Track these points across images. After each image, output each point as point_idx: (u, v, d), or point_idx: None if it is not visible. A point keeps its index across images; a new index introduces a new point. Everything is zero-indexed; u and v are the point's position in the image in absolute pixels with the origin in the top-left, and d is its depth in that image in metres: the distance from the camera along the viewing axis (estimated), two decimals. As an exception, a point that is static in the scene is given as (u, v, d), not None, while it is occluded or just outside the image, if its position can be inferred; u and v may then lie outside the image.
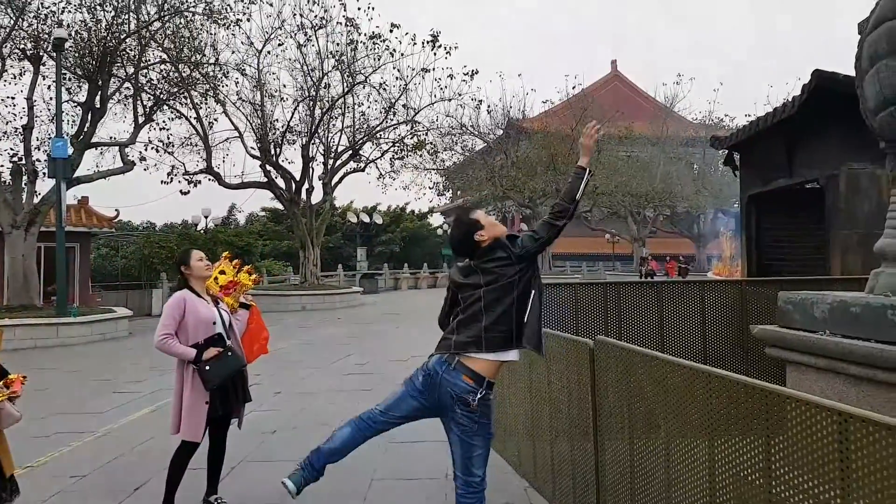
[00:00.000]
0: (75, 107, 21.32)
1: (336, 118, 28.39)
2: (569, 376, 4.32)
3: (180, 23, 22.01)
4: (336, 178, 29.08)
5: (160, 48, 22.13)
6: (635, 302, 8.00)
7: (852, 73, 4.99)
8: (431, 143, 31.20)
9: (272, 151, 27.18)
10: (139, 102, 22.43)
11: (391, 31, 25.98)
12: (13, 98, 21.20)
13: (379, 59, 26.70)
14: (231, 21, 22.99)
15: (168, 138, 24.97)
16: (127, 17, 20.56)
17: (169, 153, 25.41)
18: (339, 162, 28.82)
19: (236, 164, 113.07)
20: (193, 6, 21.54)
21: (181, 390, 4.53)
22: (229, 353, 4.57)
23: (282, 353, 12.68)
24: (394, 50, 26.45)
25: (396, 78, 27.69)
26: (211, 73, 24.05)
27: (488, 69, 44.81)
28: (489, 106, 37.92)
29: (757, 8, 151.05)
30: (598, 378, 3.87)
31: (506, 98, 46.34)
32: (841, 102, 6.97)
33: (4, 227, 18.26)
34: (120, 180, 22.30)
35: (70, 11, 19.87)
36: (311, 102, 27.13)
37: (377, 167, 30.34)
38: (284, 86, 32.53)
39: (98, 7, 20.23)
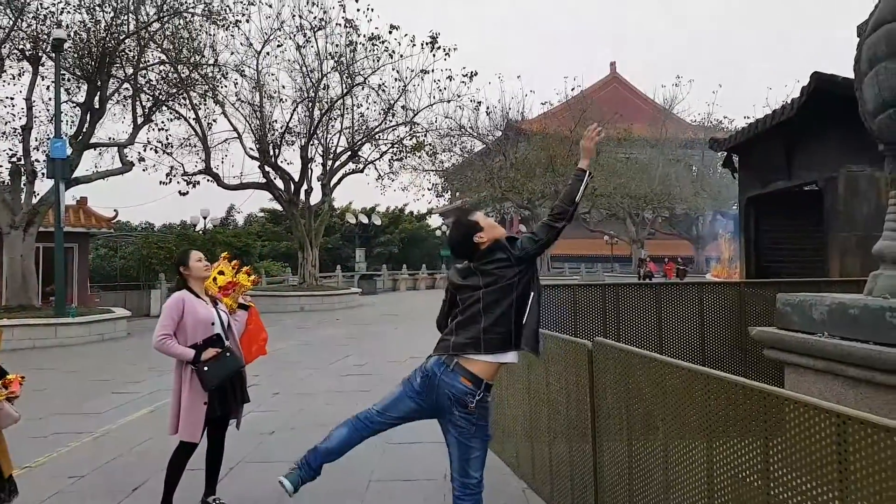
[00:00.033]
0: (74, 107, 21.30)
1: (335, 119, 28.42)
2: (567, 377, 4.32)
3: (179, 24, 22.00)
4: (335, 180, 29.07)
5: (159, 49, 22.12)
6: (634, 303, 8.01)
7: (851, 75, 4.99)
8: (430, 144, 31.24)
9: (271, 152, 27.19)
10: (138, 103, 22.41)
11: (390, 32, 26.02)
12: (12, 98, 21.24)
13: (378, 61, 26.73)
14: (230, 22, 22.99)
15: (167, 139, 25.00)
16: (126, 17, 20.55)
17: (168, 154, 25.42)
18: (337, 163, 28.81)
19: (235, 164, 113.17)
20: (192, 7, 21.54)
21: (180, 391, 4.53)
22: (228, 354, 4.57)
23: (280, 353, 12.67)
24: (393, 51, 26.48)
25: (395, 79, 27.72)
26: (210, 74, 24.03)
27: (487, 71, 45.14)
28: (488, 107, 37.90)
29: (756, 10, 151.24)
30: (597, 379, 3.88)
31: (505, 99, 46.70)
32: (840, 105, 6.99)
33: (3, 227, 18.24)
34: (119, 181, 22.35)
35: (69, 12, 19.89)
36: (310, 103, 27.12)
37: (376, 168, 30.39)
38: (283, 87, 32.70)
39: (97, 8, 20.22)
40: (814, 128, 9.63)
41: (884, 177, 6.64)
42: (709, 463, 2.77)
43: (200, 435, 4.53)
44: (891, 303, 4.10)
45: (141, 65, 21.49)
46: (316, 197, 29.01)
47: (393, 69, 27.40)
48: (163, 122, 24.40)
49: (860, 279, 6.18)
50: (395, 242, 48.83)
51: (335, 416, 4.09)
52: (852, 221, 9.27)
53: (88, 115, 20.22)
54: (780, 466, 2.38)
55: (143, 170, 24.47)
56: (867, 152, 7.29)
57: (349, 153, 28.84)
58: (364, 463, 5.65)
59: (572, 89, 45.66)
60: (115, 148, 22.37)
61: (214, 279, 4.96)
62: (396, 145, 29.80)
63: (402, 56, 26.82)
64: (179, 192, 26.69)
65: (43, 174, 19.18)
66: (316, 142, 28.18)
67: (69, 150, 18.16)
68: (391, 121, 28.71)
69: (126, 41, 20.54)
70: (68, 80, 20.85)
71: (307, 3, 25.28)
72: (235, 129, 26.77)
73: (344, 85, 27.00)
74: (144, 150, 24.26)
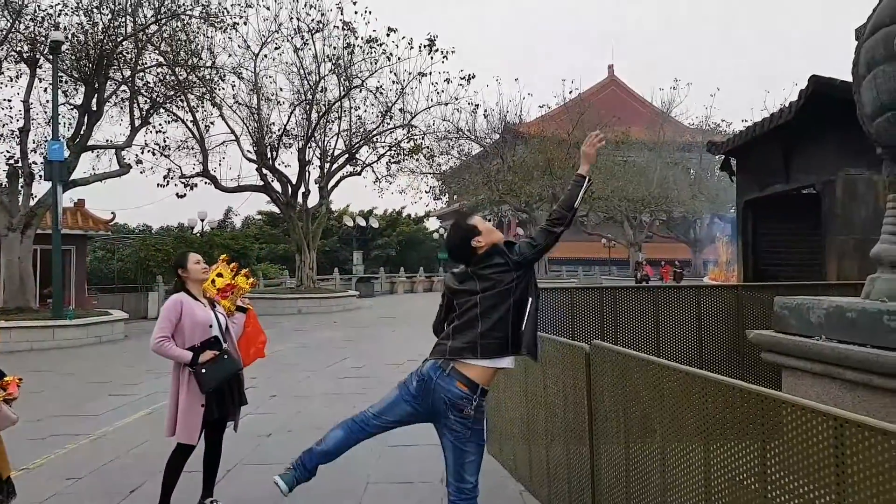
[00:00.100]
0: (72, 109, 21.26)
1: (332, 122, 28.44)
2: (565, 380, 4.32)
3: (177, 26, 21.97)
4: (332, 182, 29.08)
5: (157, 51, 22.09)
6: (631, 306, 8.00)
7: (849, 78, 5.00)
8: (428, 147, 31.23)
9: (268, 155, 27.20)
10: (136, 105, 22.39)
11: (388, 34, 26.06)
12: (10, 101, 21.27)
13: (376, 63, 26.75)
14: (228, 24, 22.99)
15: (164, 141, 24.97)
16: (124, 20, 20.54)
17: (165, 156, 25.40)
18: (335, 166, 28.82)
19: (232, 167, 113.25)
20: (190, 10, 21.54)
21: (177, 393, 4.52)
22: (225, 357, 4.56)
23: (278, 356, 12.65)
24: (390, 54, 26.52)
25: (393, 82, 27.76)
26: (207, 77, 23.99)
27: (485, 73, 44.95)
28: (486, 110, 37.90)
29: (754, 12, 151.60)
30: (594, 382, 3.87)
31: (502, 102, 46.57)
32: (838, 108, 7.00)
33: (1, 229, 18.20)
34: (116, 183, 22.25)
35: (67, 14, 19.89)
36: (308, 106, 27.14)
37: (373, 171, 30.42)
38: (281, 89, 32.48)
39: (95, 10, 20.21)
40: (812, 131, 9.64)
41: (882, 180, 6.64)
42: (706, 466, 2.77)
43: (198, 437, 4.52)
44: (888, 306, 4.11)
45: (138, 67, 21.48)
46: (313, 199, 29.07)
47: (391, 72, 27.46)
48: (160, 125, 24.40)
49: (858, 282, 6.20)
50: (393, 245, 48.85)
51: (332, 418, 4.09)
52: (850, 225, 9.28)
53: (86, 118, 20.22)
54: (777, 469, 2.38)
55: (141, 172, 24.49)
56: (865, 155, 7.30)
57: (347, 156, 28.85)
58: (361, 465, 5.65)
59: (570, 92, 45.72)
60: (113, 150, 22.35)
61: (213, 281, 4.96)
62: (394, 148, 29.84)
63: (399, 59, 26.92)
64: (177, 194, 26.71)
65: (40, 176, 19.16)
66: (313, 144, 28.21)
67: (67, 153, 18.17)
68: (389, 123, 28.79)
69: (124, 43, 20.54)
70: (66, 82, 20.84)
71: (305, 5, 25.34)
72: (233, 132, 26.80)
73: (341, 87, 27.04)
74: (142, 153, 24.32)
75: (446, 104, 29.34)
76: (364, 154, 29.80)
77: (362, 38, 26.06)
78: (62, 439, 7.07)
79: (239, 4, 23.31)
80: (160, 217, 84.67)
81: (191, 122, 25.24)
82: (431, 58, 26.77)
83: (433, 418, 3.44)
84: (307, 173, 28.15)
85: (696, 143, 41.54)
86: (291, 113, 27.63)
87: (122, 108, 22.74)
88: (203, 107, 25.08)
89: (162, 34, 21.63)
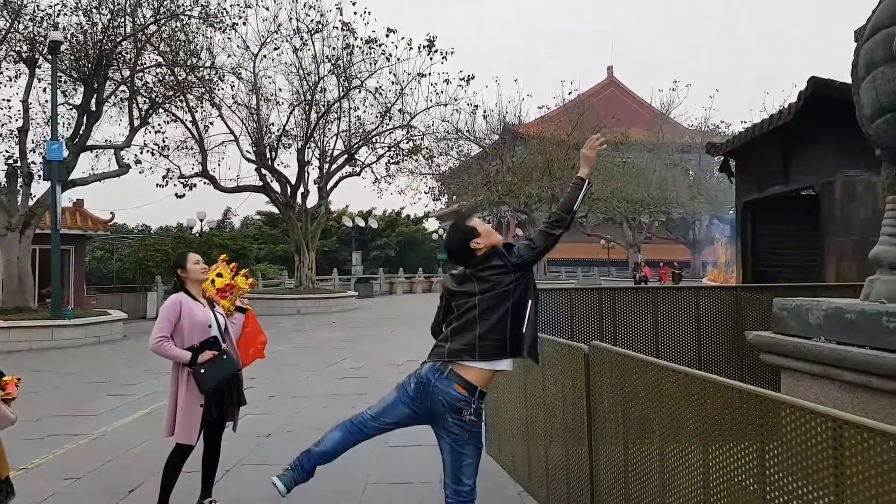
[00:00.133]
0: (71, 109, 21.25)
1: (332, 122, 28.43)
2: (563, 381, 4.32)
3: (176, 26, 21.95)
4: (331, 183, 29.08)
5: (156, 51, 22.07)
6: (630, 307, 8.00)
7: (849, 80, 5.01)
8: (427, 147, 31.24)
9: (268, 155, 27.19)
10: (135, 105, 22.39)
11: (387, 35, 26.06)
12: (9, 100, 21.21)
13: (375, 64, 26.76)
14: (227, 25, 23.01)
15: (163, 141, 24.92)
16: (123, 20, 20.53)
17: (164, 156, 25.36)
18: (334, 166, 28.82)
19: (232, 167, 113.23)
20: (189, 10, 21.54)
21: (176, 393, 4.52)
22: (224, 357, 4.57)
23: (277, 356, 12.64)
24: (390, 55, 26.52)
25: (392, 82, 27.76)
26: (207, 77, 24.00)
27: (485, 74, 44.95)
28: (485, 111, 37.91)
29: (754, 12, 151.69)
30: (593, 383, 3.88)
31: (502, 103, 46.54)
32: (837, 109, 7.00)
33: (0, 229, 18.22)
34: (115, 183, 22.22)
35: (66, 14, 19.88)
36: (307, 106, 27.13)
37: (373, 171, 30.41)
38: (280, 90, 32.52)
39: (94, 10, 20.20)
40: (811, 132, 9.64)
41: (881, 181, 6.66)
42: (705, 467, 2.77)
43: (197, 437, 4.53)
44: (887, 307, 4.11)
45: (137, 67, 21.47)
46: (312, 200, 29.07)
47: (390, 72, 27.47)
48: (159, 125, 24.36)
49: (857, 284, 6.18)
50: (392, 246, 48.84)
51: (331, 418, 4.10)
52: (849, 226, 9.28)
53: (85, 118, 20.21)
54: (776, 470, 2.38)
55: (140, 172, 24.47)
56: (864, 157, 7.31)
57: (346, 156, 28.85)
58: (360, 465, 5.65)
59: (569, 93, 45.73)
60: (112, 150, 22.34)
61: (212, 281, 4.96)
62: (393, 149, 29.84)
63: (399, 59, 26.93)
64: (176, 194, 26.67)
65: (39, 176, 19.15)
66: (312, 145, 28.21)
67: (66, 153, 18.16)
68: (388, 124, 28.79)
69: (123, 43, 20.53)
70: (65, 82, 20.82)
71: (304, 6, 25.36)
72: (232, 132, 26.81)
73: (341, 88, 27.05)
74: (141, 153, 24.28)
75: (445, 105, 29.39)
76: (363, 155, 29.86)
77: (361, 39, 26.12)
78: (61, 439, 7.07)
79: (238, 5, 23.39)
80: (159, 217, 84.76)
81: (190, 122, 25.25)
82: (431, 58, 26.82)
83: (431, 420, 3.44)
84: (306, 174, 28.19)
85: (696, 144, 41.54)
86: (290, 113, 27.66)
87: (121, 108, 22.74)
88: (202, 107, 25.10)
89: (161, 34, 21.61)
